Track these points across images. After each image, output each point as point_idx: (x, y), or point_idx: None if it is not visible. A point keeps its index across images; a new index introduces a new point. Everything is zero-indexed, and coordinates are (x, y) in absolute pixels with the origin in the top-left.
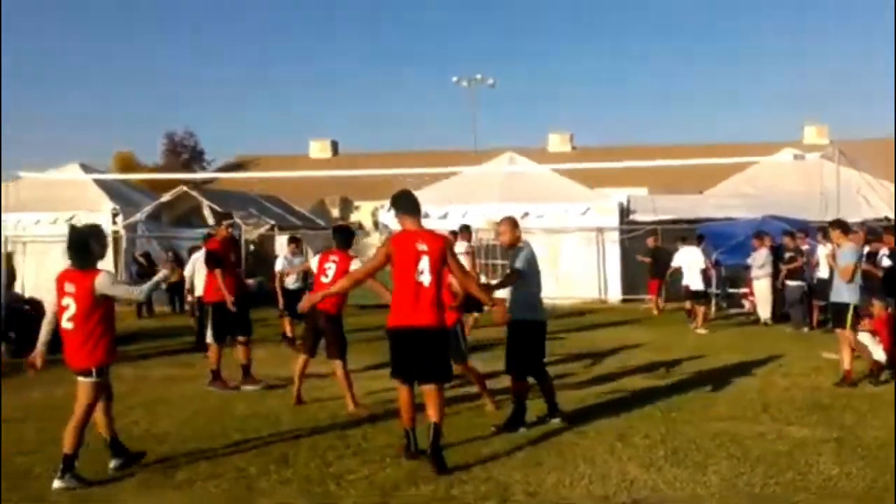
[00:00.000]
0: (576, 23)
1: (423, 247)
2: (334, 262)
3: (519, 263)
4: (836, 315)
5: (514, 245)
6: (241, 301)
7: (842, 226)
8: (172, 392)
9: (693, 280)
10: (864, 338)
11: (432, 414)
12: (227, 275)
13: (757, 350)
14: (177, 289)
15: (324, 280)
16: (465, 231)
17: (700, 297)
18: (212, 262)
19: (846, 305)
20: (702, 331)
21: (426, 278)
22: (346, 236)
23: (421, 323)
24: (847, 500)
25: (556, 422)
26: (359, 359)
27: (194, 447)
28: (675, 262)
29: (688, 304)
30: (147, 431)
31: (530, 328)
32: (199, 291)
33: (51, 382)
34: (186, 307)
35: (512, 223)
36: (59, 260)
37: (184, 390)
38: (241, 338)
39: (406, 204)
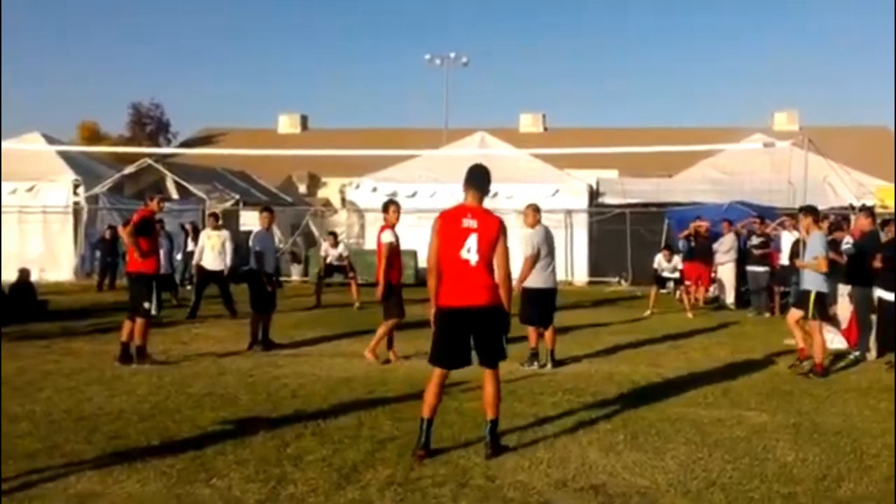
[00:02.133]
0: (551, 3)
1: (470, 223)
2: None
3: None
4: (800, 300)
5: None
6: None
7: (813, 212)
8: (129, 368)
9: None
10: (826, 327)
11: (489, 409)
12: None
13: (719, 334)
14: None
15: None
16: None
17: (661, 282)
18: (145, 229)
19: (809, 292)
20: (647, 313)
21: (472, 257)
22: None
23: (473, 303)
24: (802, 486)
25: (548, 366)
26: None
27: (149, 425)
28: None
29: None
30: (101, 409)
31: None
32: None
33: (3, 357)
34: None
35: (534, 209)
36: (16, 229)
37: (140, 367)
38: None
39: (469, 178)
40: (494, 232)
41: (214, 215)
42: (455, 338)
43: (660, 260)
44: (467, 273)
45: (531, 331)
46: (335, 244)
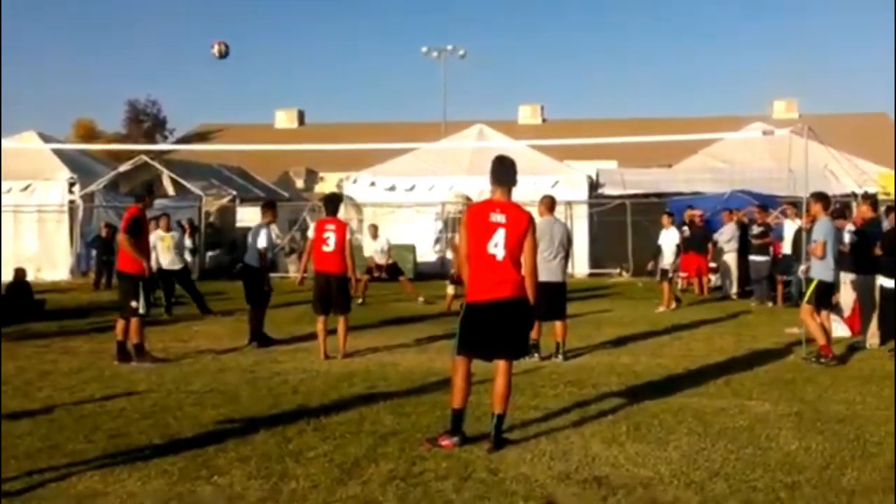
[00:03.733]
0: None
1: (498, 218)
2: (332, 230)
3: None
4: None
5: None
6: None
7: (823, 199)
8: (129, 366)
9: (667, 260)
10: (829, 316)
11: (497, 403)
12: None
13: (721, 324)
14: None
15: (326, 249)
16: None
17: (665, 276)
18: (137, 229)
19: (811, 281)
20: (661, 308)
21: (499, 252)
22: (335, 203)
23: (498, 296)
24: (805, 475)
25: (559, 359)
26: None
27: (150, 423)
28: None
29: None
30: (101, 407)
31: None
32: None
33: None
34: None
35: (544, 201)
36: (11, 229)
37: (140, 365)
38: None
39: (495, 171)
40: (523, 228)
41: (167, 216)
42: (480, 329)
43: (662, 233)
44: (493, 267)
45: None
46: (375, 236)
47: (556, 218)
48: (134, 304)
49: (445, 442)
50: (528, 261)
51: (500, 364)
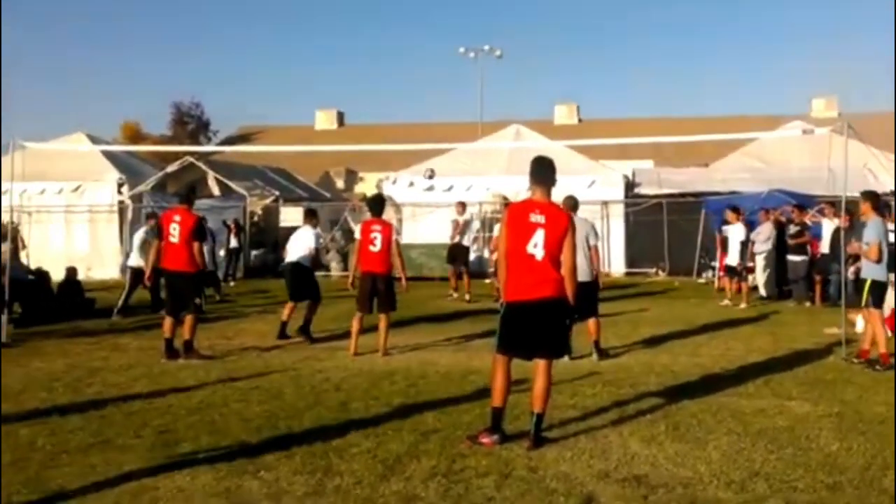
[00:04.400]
0: None
1: (538, 218)
2: (378, 230)
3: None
4: (858, 291)
5: None
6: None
7: (872, 198)
8: (176, 362)
9: (733, 256)
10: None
11: (537, 401)
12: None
13: (759, 324)
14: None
15: (373, 249)
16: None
17: (734, 273)
18: (202, 233)
19: (864, 281)
20: (727, 302)
21: (539, 252)
22: (380, 205)
23: (538, 296)
24: (846, 476)
25: (594, 357)
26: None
27: (197, 419)
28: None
29: (726, 282)
30: (150, 403)
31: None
32: None
33: (52, 353)
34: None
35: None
36: (63, 229)
37: (187, 361)
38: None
39: (535, 172)
40: (562, 229)
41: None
42: (520, 328)
43: (728, 228)
44: (533, 267)
45: None
46: (463, 210)
47: (580, 217)
48: (198, 300)
49: (486, 440)
50: (567, 261)
51: (540, 363)
